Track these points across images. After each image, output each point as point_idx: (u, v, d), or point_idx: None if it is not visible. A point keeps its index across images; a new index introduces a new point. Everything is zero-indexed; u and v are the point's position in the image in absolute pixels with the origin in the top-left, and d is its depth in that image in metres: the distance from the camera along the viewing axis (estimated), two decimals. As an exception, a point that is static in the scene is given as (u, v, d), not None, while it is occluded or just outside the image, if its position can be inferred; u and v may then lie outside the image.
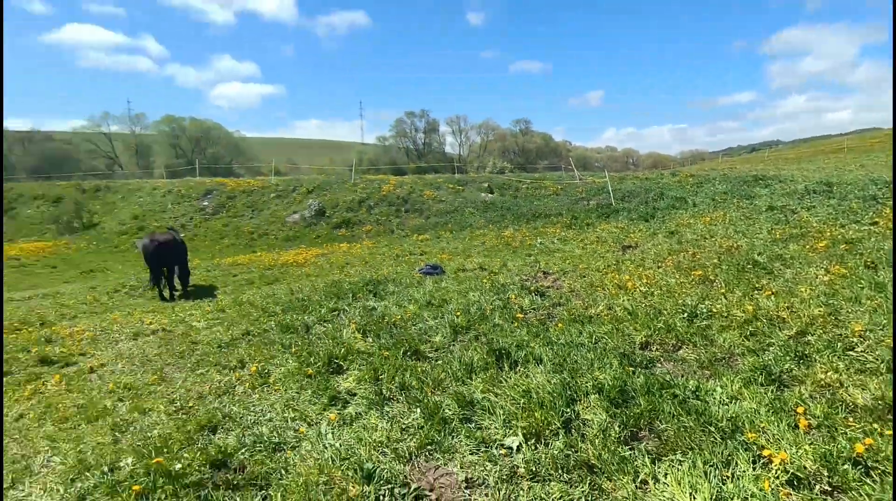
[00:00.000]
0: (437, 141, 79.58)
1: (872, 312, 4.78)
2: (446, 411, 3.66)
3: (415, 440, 3.33)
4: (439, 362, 4.86)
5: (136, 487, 2.86)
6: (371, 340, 5.79)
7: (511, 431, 3.37)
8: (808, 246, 7.77)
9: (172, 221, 23.56)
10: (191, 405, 4.36)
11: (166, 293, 10.51)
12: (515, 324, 5.96)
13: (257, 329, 6.63)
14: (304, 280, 11.54)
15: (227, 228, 23.43)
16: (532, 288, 7.66)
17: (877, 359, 3.86)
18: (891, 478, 2.58)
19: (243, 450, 3.35)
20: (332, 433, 3.55)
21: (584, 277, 8.44)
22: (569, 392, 3.77)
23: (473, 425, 3.52)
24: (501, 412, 3.60)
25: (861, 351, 4.06)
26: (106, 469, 3.17)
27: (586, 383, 3.88)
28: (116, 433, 3.89)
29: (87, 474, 3.17)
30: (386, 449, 3.22)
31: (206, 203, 25.77)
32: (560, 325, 5.69)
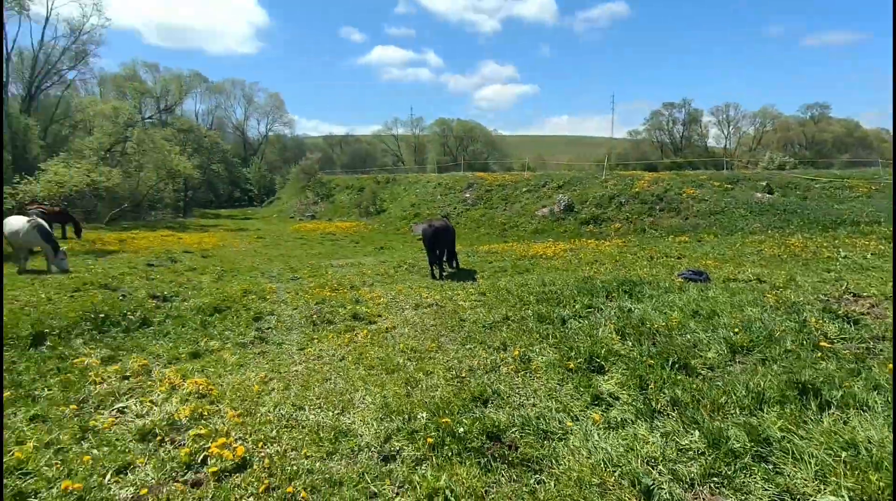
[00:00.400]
0: (697, 134, 70.73)
1: None
2: (734, 442, 3.18)
3: (696, 465, 2.99)
4: (717, 382, 4.28)
5: (429, 439, 3.32)
6: (630, 344, 5.48)
7: (828, 489, 2.72)
8: None
9: (440, 209, 26.94)
10: (463, 375, 4.87)
11: (436, 272, 12.07)
12: (818, 354, 4.83)
13: (515, 316, 7.01)
14: (553, 273, 11.72)
15: (483, 218, 25.58)
16: (839, 312, 6.10)
17: None
18: None
19: (514, 429, 3.56)
20: (598, 434, 3.48)
21: (927, 307, 6.29)
22: (922, 460, 2.84)
23: (771, 467, 2.97)
24: (812, 461, 2.94)
25: None
26: (406, 416, 3.78)
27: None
28: (408, 387, 4.62)
29: (392, 417, 3.84)
30: (662, 468, 2.98)
31: (467, 195, 28.64)
32: (890, 367, 4.36)
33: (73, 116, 32.86)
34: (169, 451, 3.41)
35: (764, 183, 22.49)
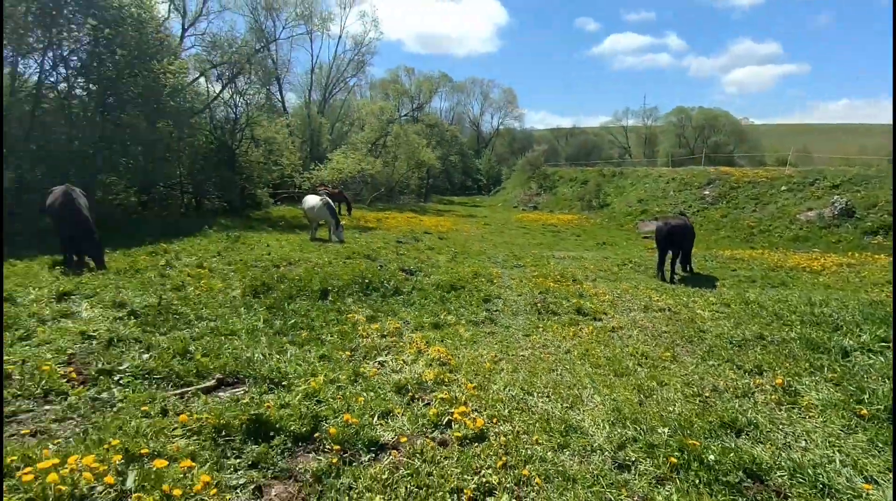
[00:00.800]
0: None
1: None
2: None
3: None
4: None
5: (672, 459, 3.04)
6: None
7: None
8: None
9: (672, 207, 24.48)
10: (706, 395, 4.33)
11: (667, 275, 11.02)
12: None
13: (773, 336, 5.92)
14: (822, 292, 9.54)
15: (724, 219, 22.31)
16: None
17: None
18: None
19: (781, 473, 3.01)
20: (910, 508, 2.68)
21: None
22: None
23: None
24: None
25: None
26: (643, 427, 3.54)
27: None
28: (640, 395, 4.32)
29: (625, 424, 3.65)
30: None
31: (706, 192, 25.32)
32: None
33: (351, 115, 40.22)
34: (420, 408, 3.89)
35: None
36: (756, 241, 19.34)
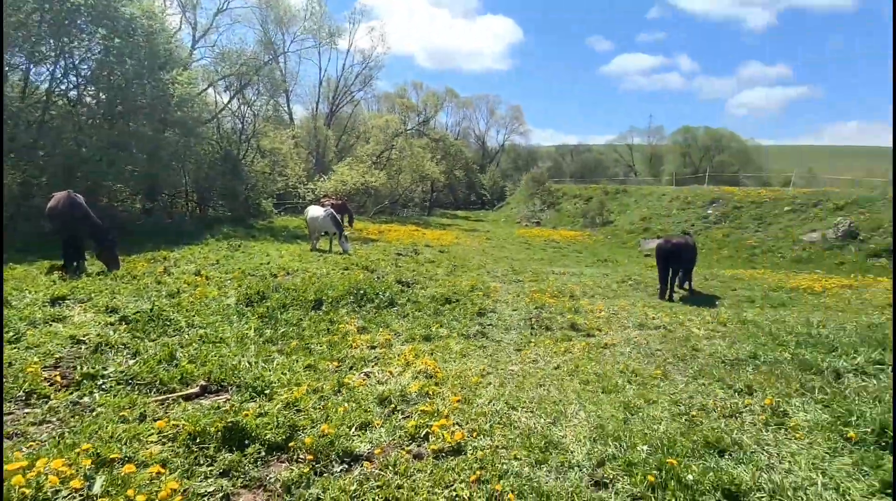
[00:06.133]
0: None
1: None
2: None
3: None
4: None
5: (650, 477, 2.99)
6: None
7: None
8: None
9: (675, 225, 24.42)
10: (693, 414, 4.27)
11: (667, 293, 10.94)
12: None
13: (766, 355, 5.84)
14: (822, 313, 9.45)
15: (727, 239, 22.22)
16: None
17: None
18: None
19: (760, 494, 2.94)
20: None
21: None
22: None
23: None
24: None
25: None
26: (623, 445, 3.49)
27: None
28: (626, 413, 4.26)
29: (606, 441, 3.59)
30: None
31: (709, 212, 25.27)
32: None
33: (357, 128, 40.64)
34: (399, 420, 3.86)
35: None
36: (758, 261, 19.23)
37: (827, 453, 3.51)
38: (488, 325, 7.33)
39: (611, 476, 3.14)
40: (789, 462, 3.41)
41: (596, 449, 3.47)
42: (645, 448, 3.42)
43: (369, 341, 6.04)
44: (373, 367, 5.21)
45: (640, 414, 4.26)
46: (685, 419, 4.16)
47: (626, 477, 3.11)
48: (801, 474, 3.23)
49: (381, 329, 6.64)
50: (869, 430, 3.69)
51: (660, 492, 2.93)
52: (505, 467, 3.17)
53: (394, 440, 3.53)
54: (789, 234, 20.96)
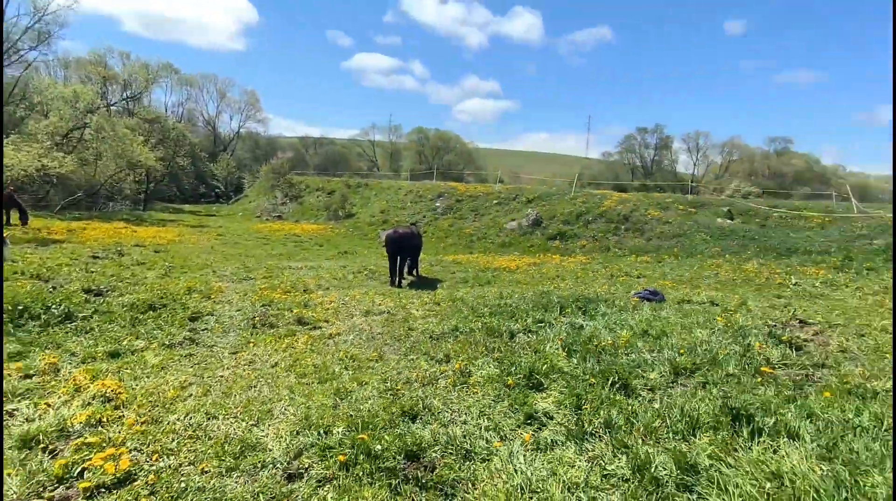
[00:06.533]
0: (668, 159, 72.74)
1: None
2: (660, 470, 3.03)
3: (617, 494, 2.83)
4: (654, 404, 4.16)
5: (341, 457, 3.07)
6: (576, 361, 5.35)
7: (750, 522, 2.59)
8: None
9: (410, 217, 26.70)
10: (398, 388, 4.63)
11: (396, 280, 11.79)
12: (759, 379, 4.79)
13: (465, 327, 6.81)
14: (513, 286, 11.62)
15: (451, 228, 25.44)
16: (784, 338, 6.12)
17: None
18: None
19: (437, 448, 3.34)
20: (525, 456, 3.29)
21: (864, 336, 6.41)
22: (844, 494, 2.74)
23: (695, 497, 2.83)
24: (736, 492, 2.82)
25: None
26: (322, 431, 3.51)
27: (872, 488, 2.77)
28: (337, 399, 4.34)
29: (309, 431, 3.57)
30: (582, 495, 2.80)
31: (437, 204, 28.49)
32: (827, 394, 4.34)
33: (31, 97, 31.34)
34: (43, 462, 3.04)
35: (726, 209, 23.09)
36: (475, 247, 22.58)
37: (493, 400, 4.24)
38: (202, 330, 6.57)
39: (306, 465, 3.11)
40: (465, 414, 3.99)
41: (295, 442, 3.41)
42: (341, 428, 3.51)
43: (21, 369, 4.67)
44: (22, 402, 4.03)
45: (351, 397, 4.40)
46: (390, 394, 4.47)
47: (320, 463, 3.12)
48: (472, 422, 3.81)
49: (45, 352, 5.22)
50: (521, 375, 4.62)
51: (351, 469, 3.03)
52: (184, 485, 2.80)
53: (30, 489, 2.75)
54: (497, 223, 25.24)
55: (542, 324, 7.04)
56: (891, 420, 3.79)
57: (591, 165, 79.51)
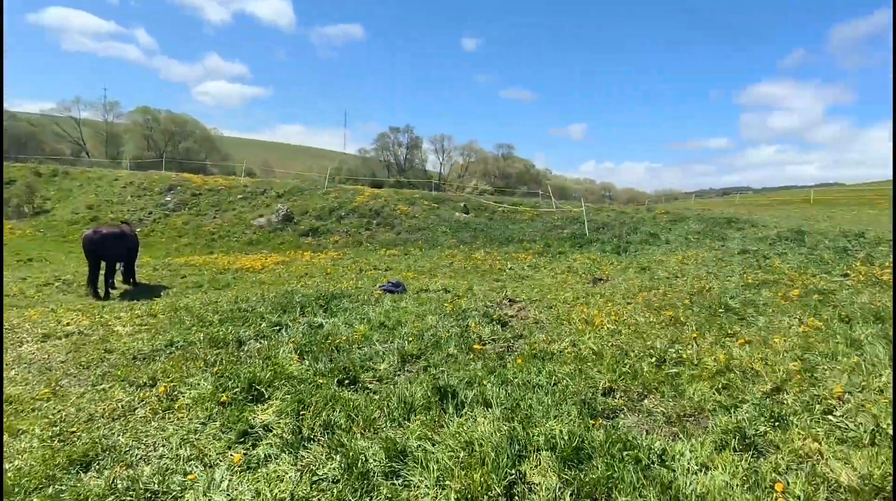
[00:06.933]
0: (419, 158, 79.47)
1: (850, 371, 4.44)
2: (371, 462, 3.08)
3: (325, 498, 2.74)
4: (377, 396, 4.28)
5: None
6: (308, 362, 5.16)
7: (443, 493, 2.81)
8: (780, 294, 7.53)
9: (130, 214, 22.37)
10: (73, 430, 3.66)
11: (101, 290, 9.60)
12: (471, 356, 5.43)
13: (183, 340, 5.91)
14: (255, 288, 10.81)
15: (186, 226, 22.35)
16: (495, 316, 7.16)
17: (858, 427, 3.46)
18: None
19: (111, 498, 2.69)
20: (230, 480, 2.93)
21: (552, 308, 8.00)
22: (517, 447, 3.24)
23: (401, 482, 2.95)
24: (436, 467, 3.04)
25: (841, 417, 3.67)
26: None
27: (538, 437, 3.36)
28: (-34, 464, 3.16)
29: None
30: (286, 511, 2.62)
31: (168, 198, 24.63)
32: (519, 361, 5.18)
33: None
34: None
35: (462, 204, 26.30)
36: (216, 246, 20.31)
37: (202, 423, 3.71)
38: None
39: None
40: (163, 446, 3.37)
41: None
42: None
43: None
44: None
45: (-8, 457, 3.26)
46: (58, 441, 3.49)
47: None
48: (169, 455, 3.23)
49: None
50: (239, 389, 4.19)
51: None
52: None
53: None
54: (242, 219, 23.23)
55: (279, 327, 6.64)
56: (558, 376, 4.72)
57: (348, 160, 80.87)
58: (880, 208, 28.87)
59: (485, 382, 4.52)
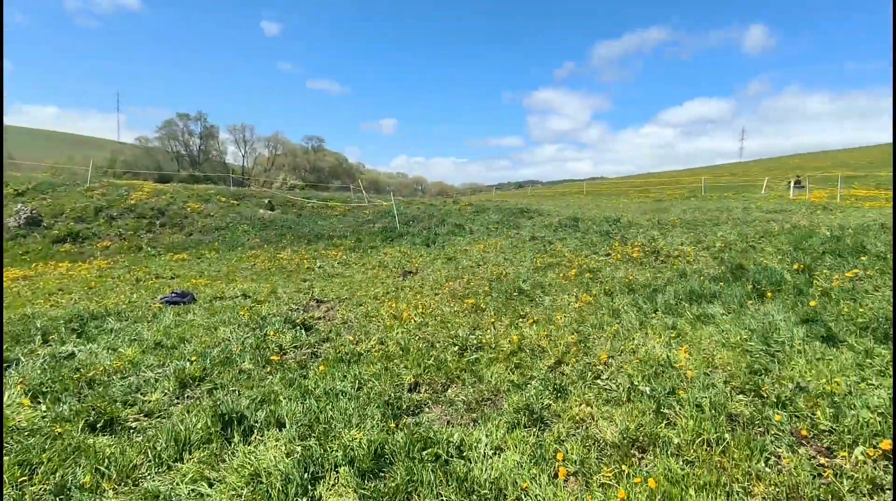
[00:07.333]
0: (216, 149, 71.74)
1: (613, 338, 5.17)
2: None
3: None
4: (141, 436, 3.48)
5: None
6: (45, 406, 4.00)
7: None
8: (562, 274, 8.58)
9: None
10: None
11: None
12: (268, 369, 4.87)
13: None
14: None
15: None
16: (298, 320, 6.64)
17: (618, 387, 4.00)
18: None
19: None
20: None
21: (361, 305, 7.79)
22: (312, 468, 2.90)
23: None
24: (211, 514, 2.52)
25: (607, 379, 4.20)
26: None
27: (337, 451, 3.07)
28: None
29: None
30: None
31: None
32: (322, 367, 4.82)
33: None
34: None
35: (267, 200, 24.40)
36: (-80, 262, 15.10)
37: None
38: None
39: None
40: None
41: None
42: None
43: None
44: None
45: None
46: None
47: None
48: None
49: None
50: None
51: None
52: None
53: None
54: (-36, 225, 17.73)
55: (7, 365, 5.08)
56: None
57: (124, 150, 68.59)
58: (630, 197, 35.82)
59: (281, 398, 4.05)
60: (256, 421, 3.56)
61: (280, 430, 3.47)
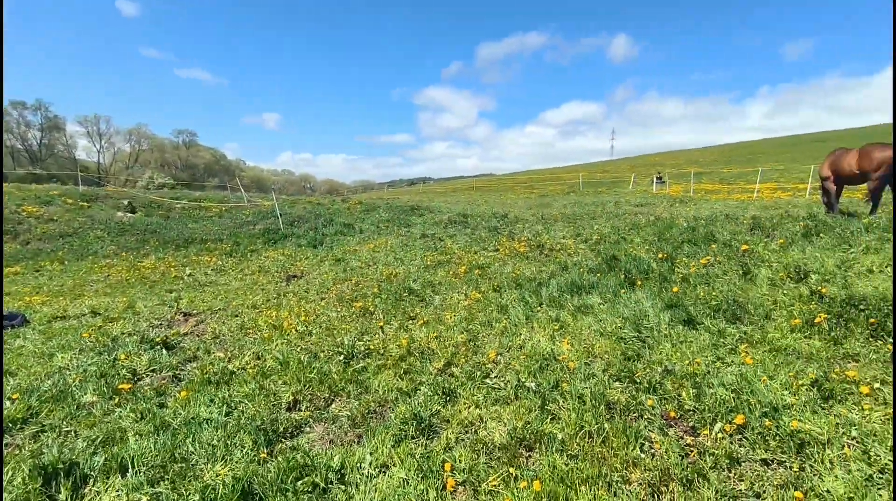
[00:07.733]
0: (63, 143, 62.39)
1: (501, 334, 5.18)
2: None
3: None
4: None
5: None
6: None
7: None
8: (452, 272, 8.56)
9: None
10: None
11: None
12: (116, 401, 4.15)
13: None
14: None
15: None
16: (159, 339, 5.81)
17: (506, 385, 3.97)
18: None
19: None
20: None
21: (237, 316, 7.09)
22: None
23: None
24: None
25: (495, 378, 4.16)
26: None
27: (192, 496, 2.62)
28: None
29: None
30: None
31: None
32: (184, 393, 4.22)
33: None
34: None
35: (127, 201, 21.64)
36: None
37: None
38: None
39: None
40: None
41: None
42: None
43: None
44: None
45: None
46: None
47: None
48: None
49: None
50: None
51: None
52: None
53: None
54: None
55: None
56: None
57: (-63, 145, 56.59)
58: (516, 192, 37.57)
59: (129, 435, 3.44)
60: (92, 469, 2.94)
61: (123, 476, 2.90)
